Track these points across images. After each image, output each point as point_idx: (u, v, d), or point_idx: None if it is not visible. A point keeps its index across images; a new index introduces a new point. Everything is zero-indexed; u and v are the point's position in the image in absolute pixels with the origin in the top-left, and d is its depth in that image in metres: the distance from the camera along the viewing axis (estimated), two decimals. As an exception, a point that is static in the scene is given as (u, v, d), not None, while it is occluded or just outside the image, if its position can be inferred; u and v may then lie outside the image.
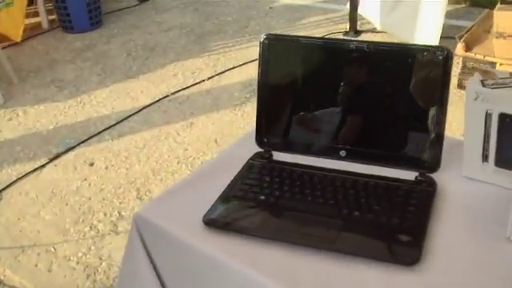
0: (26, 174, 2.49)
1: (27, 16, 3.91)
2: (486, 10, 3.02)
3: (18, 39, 3.67)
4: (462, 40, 2.63)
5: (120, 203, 2.26)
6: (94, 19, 3.90)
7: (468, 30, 2.71)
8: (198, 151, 2.57)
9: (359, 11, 3.53)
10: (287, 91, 1.06)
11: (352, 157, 1.01)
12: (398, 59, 0.96)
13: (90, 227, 2.14)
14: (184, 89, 3.11)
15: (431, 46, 0.92)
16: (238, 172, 1.02)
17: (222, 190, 0.98)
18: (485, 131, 0.90)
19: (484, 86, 0.88)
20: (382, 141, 1.00)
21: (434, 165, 0.95)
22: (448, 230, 0.87)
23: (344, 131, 1.02)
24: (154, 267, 0.96)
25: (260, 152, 1.07)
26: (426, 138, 0.95)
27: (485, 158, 0.93)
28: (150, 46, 3.66)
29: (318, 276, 0.80)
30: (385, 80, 0.98)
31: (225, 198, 0.96)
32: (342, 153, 1.01)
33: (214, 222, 0.91)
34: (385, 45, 0.97)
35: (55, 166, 2.56)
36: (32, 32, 3.92)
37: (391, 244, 0.83)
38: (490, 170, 0.93)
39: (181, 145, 2.63)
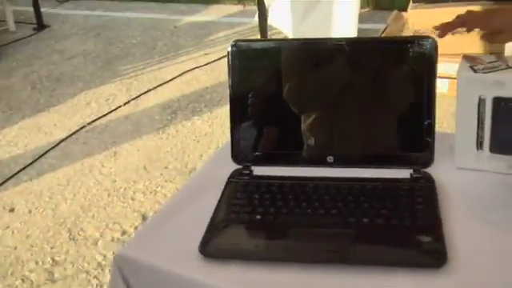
0: None
1: None
2: (395, 12, 3.13)
3: None
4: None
5: (51, 248, 2.06)
6: (-11, 53, 3.60)
7: (383, 32, 2.78)
8: (127, 181, 2.41)
9: (269, 22, 3.54)
10: (262, 100, 0.98)
11: (340, 162, 0.95)
12: (380, 54, 0.92)
13: (22, 279, 1.92)
14: (100, 117, 2.93)
15: (415, 37, 0.88)
16: (222, 194, 0.92)
17: (208, 215, 0.88)
18: (478, 118, 0.88)
19: (475, 71, 0.86)
20: (371, 141, 0.95)
21: (428, 159, 0.92)
22: (460, 225, 0.83)
23: (329, 136, 0.95)
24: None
25: (238, 169, 0.98)
26: (416, 132, 0.91)
27: (479, 145, 0.90)
28: (55, 76, 3.43)
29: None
30: (368, 77, 0.93)
31: (217, 223, 0.86)
32: (329, 159, 0.95)
33: (215, 252, 0.80)
34: (365, 40, 0.91)
35: (-33, 217, 2.29)
36: None
37: (413, 247, 0.78)
38: (484, 157, 0.91)
39: (108, 176, 2.46)
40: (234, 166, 0.99)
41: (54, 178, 2.47)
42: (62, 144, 2.73)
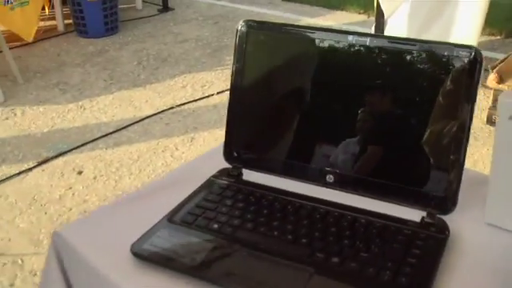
0: (10, 177, 2.32)
1: (44, 19, 3.80)
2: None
3: (30, 39, 3.53)
4: (494, 71, 2.38)
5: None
6: (110, 25, 3.76)
7: (502, 61, 2.46)
8: (195, 169, 2.35)
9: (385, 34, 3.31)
10: (267, 94, 0.84)
11: (341, 184, 0.78)
12: (407, 61, 0.73)
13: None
14: (190, 102, 2.91)
15: (453, 44, 0.69)
16: (194, 191, 0.80)
17: (166, 212, 0.75)
18: (520, 162, 0.67)
19: (524, 100, 0.65)
20: (382, 166, 0.76)
21: (449, 203, 0.71)
22: (459, 295, 0.63)
23: (335, 151, 0.78)
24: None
25: (227, 169, 0.85)
26: (439, 166, 0.72)
27: (517, 199, 0.69)
28: (163, 57, 3.48)
29: None
30: (391, 87, 0.75)
31: (166, 222, 0.73)
32: (329, 178, 0.78)
33: (145, 254, 0.68)
34: (392, 40, 0.73)
35: (42, 170, 2.38)
36: (46, 34, 3.82)
37: (376, 308, 0.60)
38: (523, 216, 0.69)
39: (177, 160, 2.42)
40: (225, 165, 0.86)
41: (127, 152, 2.48)
42: (146, 120, 2.74)
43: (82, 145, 2.54)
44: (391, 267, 0.64)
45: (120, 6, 3.95)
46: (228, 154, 0.84)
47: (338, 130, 0.78)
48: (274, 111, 0.83)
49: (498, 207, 0.71)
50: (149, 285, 0.65)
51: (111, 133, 2.63)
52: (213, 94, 2.99)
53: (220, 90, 3.03)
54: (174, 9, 4.31)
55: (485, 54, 2.92)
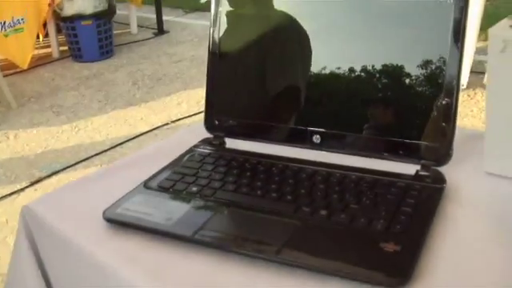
0: (2, 197, 2.27)
1: (38, 47, 3.80)
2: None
3: (25, 66, 3.54)
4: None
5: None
6: (105, 49, 3.76)
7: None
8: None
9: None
10: (246, 58, 0.79)
11: (329, 144, 0.73)
12: (392, 9, 0.68)
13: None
14: (186, 117, 2.87)
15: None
16: (173, 161, 0.75)
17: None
18: (517, 100, 0.62)
19: (516, 30, 0.60)
20: (371, 121, 0.71)
21: (443, 153, 0.66)
22: (457, 245, 0.57)
23: (319, 108, 0.74)
24: (43, 272, 0.68)
25: (208, 138, 0.80)
26: (430, 115, 0.67)
27: (517, 141, 0.64)
28: (158, 76, 3.47)
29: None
30: (375, 37, 0.70)
31: (142, 188, 0.68)
32: (316, 138, 0.73)
33: (118, 219, 0.63)
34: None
35: (35, 190, 2.33)
36: (41, 61, 3.82)
37: (369, 255, 0.54)
38: (524, 160, 0.64)
39: (174, 174, 2.36)
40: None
41: (122, 168, 2.43)
42: (141, 137, 2.70)
43: (76, 163, 2.49)
44: (384, 216, 0.58)
45: (115, 31, 3.95)
46: (209, 123, 0.80)
47: (322, 88, 0.73)
48: (254, 75, 0.79)
49: (497, 154, 0.66)
50: (124, 250, 0.60)
51: (106, 150, 2.59)
52: (208, 109, 2.96)
53: (216, 105, 2.99)
54: (168, 32, 4.31)
55: (482, 57, 2.89)
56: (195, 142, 0.80)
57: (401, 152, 0.68)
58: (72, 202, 0.70)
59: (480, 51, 3.06)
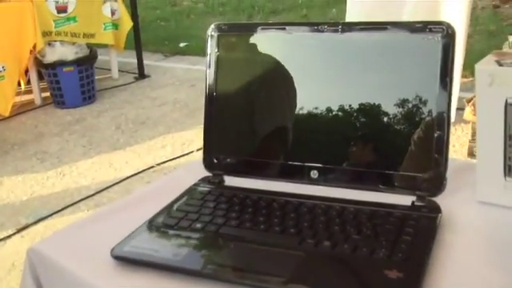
0: (-10, 245, 2.24)
1: (20, 94, 3.81)
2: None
3: (6, 114, 3.55)
4: (470, 104, 2.42)
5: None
6: (87, 94, 3.78)
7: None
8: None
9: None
10: (243, 97, 0.82)
11: (326, 178, 0.75)
12: (383, 45, 0.73)
13: None
14: (171, 160, 2.89)
15: (425, 22, 0.69)
16: (174, 199, 0.77)
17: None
18: (506, 130, 0.65)
19: (501, 65, 0.64)
20: (367, 156, 0.74)
21: (436, 185, 0.69)
22: (456, 270, 0.59)
23: (315, 144, 0.77)
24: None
25: (208, 176, 0.82)
26: (423, 148, 0.70)
27: (508, 170, 0.67)
28: (141, 120, 3.49)
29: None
30: (369, 74, 0.74)
31: (147, 227, 0.70)
32: (314, 173, 0.76)
33: (126, 256, 0.64)
34: (365, 26, 0.73)
35: (22, 237, 2.30)
36: (24, 108, 3.82)
37: (374, 283, 0.56)
38: (514, 187, 0.67)
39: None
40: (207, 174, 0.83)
41: (109, 212, 2.42)
42: (128, 181, 2.70)
43: (63, 209, 2.48)
44: (386, 245, 0.61)
45: (96, 77, 3.98)
46: (208, 162, 0.82)
47: (318, 125, 0.76)
48: (251, 113, 0.82)
49: (488, 183, 0.69)
50: (133, 287, 0.61)
51: (92, 195, 2.58)
52: (193, 151, 2.98)
53: (200, 147, 3.01)
54: (150, 76, 4.36)
55: (460, 94, 2.95)
56: (194, 180, 0.82)
57: (396, 184, 0.71)
58: (79, 241, 0.71)
59: (462, 88, 3.15)
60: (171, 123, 3.42)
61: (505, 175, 0.67)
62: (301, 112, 0.77)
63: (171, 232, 0.68)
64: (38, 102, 3.91)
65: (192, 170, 0.85)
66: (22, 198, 2.63)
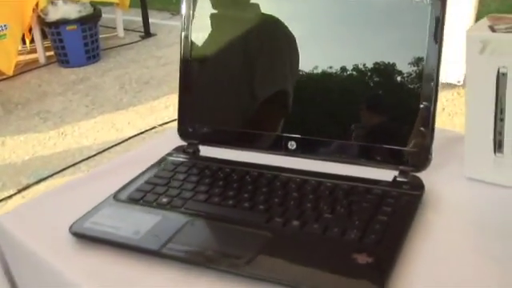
0: (-10, 206, 2.24)
1: (24, 53, 3.77)
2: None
3: (10, 73, 3.51)
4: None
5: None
6: (91, 53, 3.72)
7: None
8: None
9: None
10: (219, 62, 0.77)
11: (305, 150, 0.70)
12: (368, 8, 0.66)
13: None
14: (173, 120, 2.83)
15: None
16: (143, 171, 0.72)
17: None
18: (497, 103, 0.59)
19: (494, 31, 0.58)
20: (347, 126, 0.69)
21: (422, 158, 0.64)
22: (436, 256, 0.55)
23: (294, 114, 0.72)
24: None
25: (182, 146, 0.77)
26: (408, 119, 0.65)
27: (498, 145, 0.62)
28: (145, 80, 3.44)
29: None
30: (352, 36, 0.68)
31: (111, 201, 0.66)
32: (291, 144, 0.71)
33: (85, 233, 0.60)
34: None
35: (22, 197, 2.30)
36: (28, 67, 3.78)
37: (341, 268, 0.51)
38: (505, 163, 0.62)
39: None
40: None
41: (109, 173, 2.40)
42: (129, 141, 2.68)
43: (64, 169, 2.47)
44: (358, 226, 0.56)
45: (102, 35, 3.92)
46: (182, 130, 0.77)
47: (297, 94, 0.71)
48: (227, 80, 0.77)
49: (477, 158, 0.64)
50: (89, 265, 0.58)
51: (93, 155, 2.56)
52: (196, 113, 2.93)
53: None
54: (156, 34, 4.28)
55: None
56: (169, 150, 0.78)
57: (378, 158, 0.66)
58: (41, 216, 0.67)
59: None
60: (175, 83, 3.32)
61: (495, 151, 0.62)
62: (279, 81, 0.72)
63: (136, 207, 0.64)
64: (42, 60, 3.87)
65: (169, 138, 0.81)
66: (24, 158, 2.62)
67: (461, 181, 0.66)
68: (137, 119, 2.92)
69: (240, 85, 0.76)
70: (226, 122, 0.76)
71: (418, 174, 0.65)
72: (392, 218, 0.58)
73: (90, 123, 2.91)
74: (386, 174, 0.65)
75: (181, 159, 0.74)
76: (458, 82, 2.59)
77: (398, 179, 0.65)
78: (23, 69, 3.71)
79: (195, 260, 0.54)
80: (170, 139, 0.79)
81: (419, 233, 0.58)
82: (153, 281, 0.54)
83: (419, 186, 0.63)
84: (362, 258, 0.51)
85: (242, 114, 0.76)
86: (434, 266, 0.53)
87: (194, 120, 0.77)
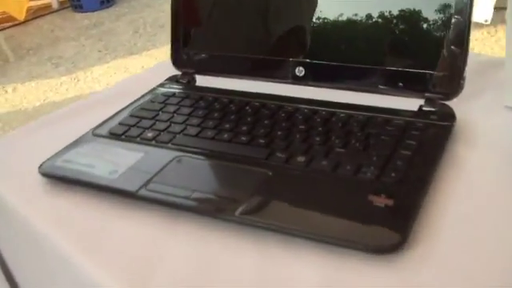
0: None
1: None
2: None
3: (21, 18, 3.41)
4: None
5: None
6: (105, -3, 3.61)
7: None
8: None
9: None
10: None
11: (315, 76, 0.60)
12: None
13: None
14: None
15: None
16: (131, 102, 0.63)
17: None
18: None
19: None
20: (365, 48, 0.58)
21: (452, 85, 0.53)
22: (468, 197, 0.45)
23: (302, 35, 0.61)
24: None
25: (176, 75, 0.68)
26: (437, 37, 0.54)
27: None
28: (160, 24, 3.31)
29: (208, 264, 0.41)
30: None
31: (90, 136, 0.57)
32: (299, 70, 0.61)
33: (54, 172, 0.52)
34: None
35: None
36: (40, 12, 3.68)
37: (354, 212, 0.42)
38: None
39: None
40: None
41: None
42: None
43: (75, 115, 2.40)
44: (376, 162, 0.46)
45: (116, -21, 3.79)
46: (176, 58, 0.68)
47: (306, 10, 0.60)
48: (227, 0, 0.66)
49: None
50: (58, 210, 0.49)
51: (105, 101, 2.49)
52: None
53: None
54: (171, -23, 4.12)
55: None
56: (160, 80, 0.69)
57: (401, 84, 0.56)
58: (9, 156, 0.59)
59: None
60: (191, 27, 3.24)
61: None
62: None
63: (116, 143, 0.55)
64: (55, 5, 3.77)
65: (163, 68, 0.71)
66: (35, 104, 2.56)
67: (499, 110, 0.56)
68: (151, 63, 2.81)
69: (240, 5, 0.65)
70: (226, 47, 0.66)
71: (448, 103, 0.54)
72: (416, 153, 0.48)
73: (102, 68, 2.82)
74: (411, 104, 0.55)
75: (173, 90, 0.65)
76: (486, 21, 2.42)
77: (425, 108, 0.54)
78: (35, 14, 3.63)
79: (178, 203, 0.45)
80: (163, 70, 0.70)
81: (449, 171, 0.48)
82: (127, 228, 0.45)
83: (449, 116, 0.53)
84: (380, 200, 0.42)
85: (243, 37, 0.65)
86: (467, 207, 0.43)
87: (189, 46, 0.67)
